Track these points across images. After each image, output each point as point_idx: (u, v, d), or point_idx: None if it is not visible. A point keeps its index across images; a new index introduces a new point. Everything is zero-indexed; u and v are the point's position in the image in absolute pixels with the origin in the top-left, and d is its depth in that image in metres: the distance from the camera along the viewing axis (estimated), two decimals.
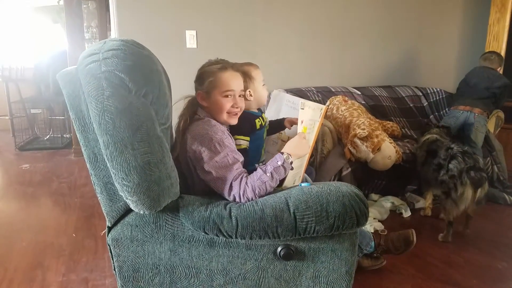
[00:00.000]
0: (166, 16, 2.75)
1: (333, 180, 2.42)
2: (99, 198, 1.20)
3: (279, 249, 1.22)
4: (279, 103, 1.54)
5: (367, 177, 2.53)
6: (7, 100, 4.53)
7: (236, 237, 1.15)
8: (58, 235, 2.22)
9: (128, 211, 1.19)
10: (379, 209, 2.46)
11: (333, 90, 3.13)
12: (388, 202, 2.55)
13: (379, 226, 2.28)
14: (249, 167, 1.37)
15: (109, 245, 1.22)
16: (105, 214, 1.21)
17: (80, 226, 2.30)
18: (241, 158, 1.30)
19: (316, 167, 2.45)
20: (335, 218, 1.15)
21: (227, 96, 1.35)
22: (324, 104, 2.89)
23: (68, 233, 2.23)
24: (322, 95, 3.05)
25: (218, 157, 1.24)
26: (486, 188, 2.08)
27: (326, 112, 1.51)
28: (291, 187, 1.34)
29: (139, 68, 1.10)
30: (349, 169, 2.46)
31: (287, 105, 1.50)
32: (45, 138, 4.49)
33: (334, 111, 2.69)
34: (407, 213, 2.50)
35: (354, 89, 3.20)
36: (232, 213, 1.16)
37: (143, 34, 2.71)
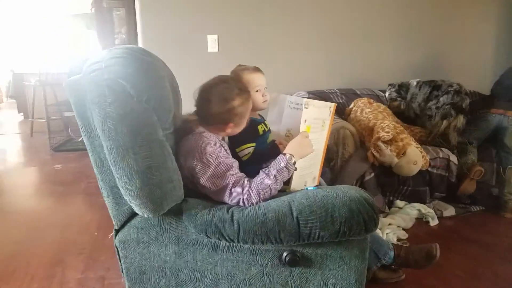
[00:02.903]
0: (189, 21, 2.79)
1: (355, 185, 2.35)
2: (106, 201, 1.22)
3: (284, 254, 1.19)
4: (280, 105, 1.51)
5: (391, 182, 2.43)
6: (44, 103, 4.75)
7: (238, 242, 1.14)
8: (81, 233, 2.29)
9: (134, 214, 1.20)
10: (404, 216, 2.35)
11: (358, 92, 3.04)
12: (414, 210, 2.44)
13: (403, 235, 2.18)
14: (253, 167, 1.35)
15: (116, 247, 1.24)
16: (112, 217, 1.23)
17: (102, 225, 2.37)
18: (236, 163, 1.28)
19: (336, 171, 2.38)
20: (341, 223, 1.11)
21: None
22: (348, 106, 2.82)
23: (90, 232, 2.30)
24: (346, 97, 2.97)
25: (211, 168, 1.22)
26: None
27: (335, 110, 1.46)
28: (300, 190, 1.30)
29: (140, 75, 1.12)
30: (372, 174, 2.37)
31: (289, 107, 1.46)
32: (78, 140, 4.65)
33: (358, 113, 2.61)
34: (434, 222, 2.38)
35: (380, 92, 3.10)
36: (234, 217, 1.14)
37: (166, 38, 2.76)
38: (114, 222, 1.22)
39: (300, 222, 1.11)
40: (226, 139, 1.49)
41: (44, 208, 2.80)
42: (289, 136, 1.69)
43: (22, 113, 6.85)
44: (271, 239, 1.12)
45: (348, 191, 1.17)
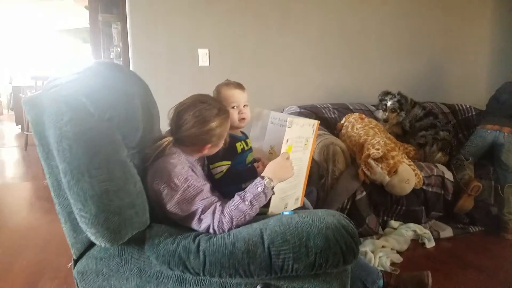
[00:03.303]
0: (179, 35, 2.74)
1: (347, 204, 2.25)
2: (63, 228, 1.13)
3: None
4: (264, 121, 1.44)
5: (384, 202, 2.33)
6: None
7: (204, 275, 1.04)
8: (60, 255, 2.18)
9: (93, 243, 1.10)
10: (398, 238, 2.23)
11: (351, 107, 2.97)
12: (409, 231, 2.32)
13: (397, 259, 2.07)
14: (229, 188, 1.26)
15: (75, 278, 1.14)
16: (70, 246, 1.14)
17: None
18: (206, 186, 1.20)
19: (327, 189, 2.29)
20: (316, 254, 1.01)
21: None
22: (340, 121, 2.74)
23: (69, 253, 2.19)
24: (339, 112, 2.89)
25: (178, 193, 1.13)
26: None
27: (318, 127, 1.38)
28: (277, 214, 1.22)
29: (103, 91, 1.06)
30: (364, 193, 2.27)
31: (272, 123, 1.39)
32: None
33: (349, 129, 2.53)
34: (430, 244, 2.25)
35: (373, 107, 3.02)
36: (200, 247, 1.05)
37: (157, 52, 2.71)
38: (72, 251, 1.13)
39: (272, 252, 1.01)
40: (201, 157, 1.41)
41: (27, 226, 2.70)
42: (272, 153, 1.61)
43: (19, 126, 6.82)
44: (240, 272, 1.02)
45: (325, 217, 1.08)
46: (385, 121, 2.72)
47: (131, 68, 2.73)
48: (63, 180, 0.99)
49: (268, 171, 1.21)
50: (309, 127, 1.36)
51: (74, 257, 1.14)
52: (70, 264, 1.17)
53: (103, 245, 1.03)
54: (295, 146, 1.31)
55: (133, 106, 1.17)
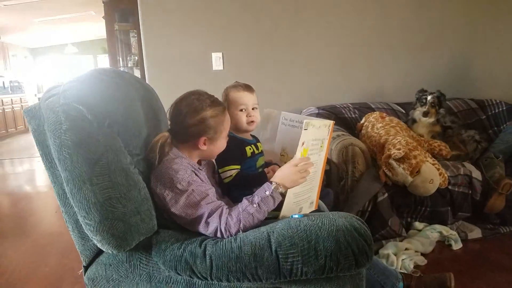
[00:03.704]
0: (193, 39, 2.75)
1: (368, 206, 2.18)
2: (72, 236, 1.14)
3: None
4: (274, 123, 1.40)
5: (408, 203, 2.23)
6: None
7: (211, 279, 1.02)
8: (80, 260, 2.22)
9: (102, 249, 1.10)
10: (423, 240, 2.14)
11: (372, 106, 2.88)
12: (434, 232, 2.22)
13: (421, 261, 1.98)
14: (239, 192, 1.23)
15: (86, 284, 1.15)
16: (79, 253, 1.15)
17: None
18: (212, 190, 1.17)
19: (347, 192, 2.22)
20: (326, 258, 0.97)
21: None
22: (359, 121, 2.67)
23: None
24: (360, 112, 2.81)
25: (183, 197, 1.11)
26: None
27: (333, 128, 1.33)
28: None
29: (101, 98, 1.05)
30: (386, 194, 2.19)
31: (284, 124, 1.36)
32: None
33: (369, 129, 2.45)
34: (457, 245, 2.15)
35: (397, 106, 2.93)
36: (206, 252, 1.02)
37: (170, 57, 2.74)
38: (81, 258, 1.14)
39: (280, 256, 0.98)
40: (211, 163, 1.39)
41: (51, 233, 2.77)
42: (284, 155, 1.58)
43: None
44: (248, 276, 0.99)
45: (336, 219, 1.03)
46: (425, 114, 2.58)
47: (146, 75, 2.76)
48: (66, 189, 0.99)
49: (277, 177, 1.19)
50: (324, 128, 1.32)
51: (84, 264, 1.14)
52: (80, 271, 1.17)
53: (110, 252, 1.03)
54: (311, 149, 1.26)
55: (134, 112, 1.16)
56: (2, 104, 7.85)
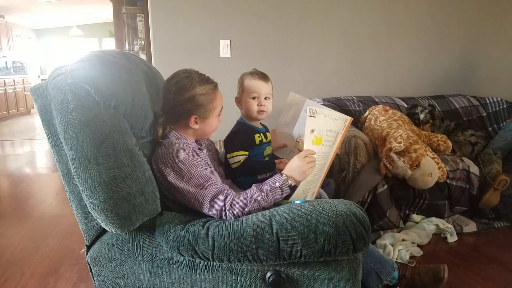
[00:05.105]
0: (200, 26, 2.74)
1: (367, 197, 2.21)
2: (75, 215, 1.15)
3: (267, 275, 1.09)
4: (297, 108, 1.42)
5: (406, 195, 2.26)
6: None
7: (213, 260, 1.04)
8: (81, 242, 2.27)
9: (105, 229, 1.12)
10: (420, 232, 2.18)
11: (376, 100, 2.90)
12: (431, 225, 2.26)
13: (417, 252, 2.02)
14: (244, 178, 1.26)
15: (88, 263, 1.17)
16: (82, 233, 1.16)
17: None
18: (214, 173, 1.19)
19: (348, 183, 2.25)
20: (325, 241, 1.00)
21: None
22: (363, 114, 2.69)
23: None
24: (364, 105, 2.83)
25: (185, 178, 1.13)
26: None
27: (349, 124, 1.35)
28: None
29: (108, 79, 1.06)
30: (386, 186, 2.22)
31: (306, 111, 1.36)
32: None
33: (372, 122, 2.47)
34: (452, 238, 2.19)
35: (401, 100, 2.94)
36: (209, 232, 1.05)
37: (178, 44, 2.73)
38: (84, 238, 1.15)
39: (280, 238, 1.01)
40: (220, 145, 1.41)
41: (52, 215, 2.79)
42: (299, 141, 1.60)
43: None
44: (249, 257, 1.02)
45: (336, 205, 1.06)
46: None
47: (152, 60, 2.76)
48: (72, 168, 1.00)
49: (287, 170, 1.21)
50: (341, 122, 1.32)
51: (87, 243, 1.16)
52: (83, 250, 1.19)
53: (113, 231, 1.04)
54: (325, 139, 1.27)
55: (140, 94, 1.17)
56: (4, 85, 7.79)
